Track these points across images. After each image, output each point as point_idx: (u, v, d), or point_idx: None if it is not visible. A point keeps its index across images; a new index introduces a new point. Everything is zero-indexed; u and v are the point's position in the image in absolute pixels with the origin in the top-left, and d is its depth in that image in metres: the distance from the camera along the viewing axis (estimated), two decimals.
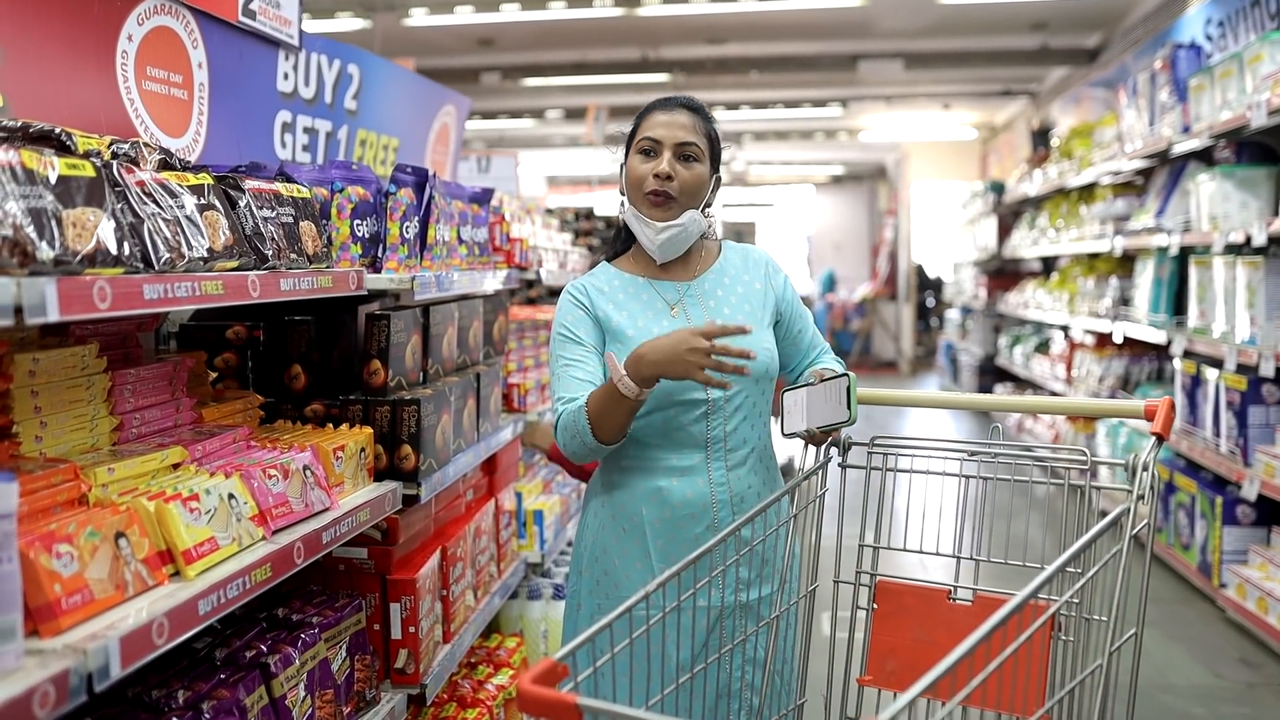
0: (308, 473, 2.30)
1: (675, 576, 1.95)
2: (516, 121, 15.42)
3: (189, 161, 2.22)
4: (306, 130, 3.50)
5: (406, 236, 2.82)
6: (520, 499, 3.94)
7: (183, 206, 1.97)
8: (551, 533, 4.06)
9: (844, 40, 10.66)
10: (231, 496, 2.03)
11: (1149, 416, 2.14)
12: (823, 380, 2.31)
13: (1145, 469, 2.01)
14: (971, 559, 2.25)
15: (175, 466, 2.10)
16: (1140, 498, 1.99)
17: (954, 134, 16.27)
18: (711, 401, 2.41)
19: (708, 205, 2.52)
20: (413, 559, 2.88)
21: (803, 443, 2.40)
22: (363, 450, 2.58)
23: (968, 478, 2.29)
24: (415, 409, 2.70)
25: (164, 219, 1.91)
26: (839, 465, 2.40)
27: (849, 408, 2.24)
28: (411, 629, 2.77)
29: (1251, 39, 6.00)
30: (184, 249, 1.92)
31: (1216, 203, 5.66)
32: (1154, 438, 2.08)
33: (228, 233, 2.09)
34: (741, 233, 15.17)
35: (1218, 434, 5.60)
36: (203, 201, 2.05)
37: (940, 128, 15.93)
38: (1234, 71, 5.48)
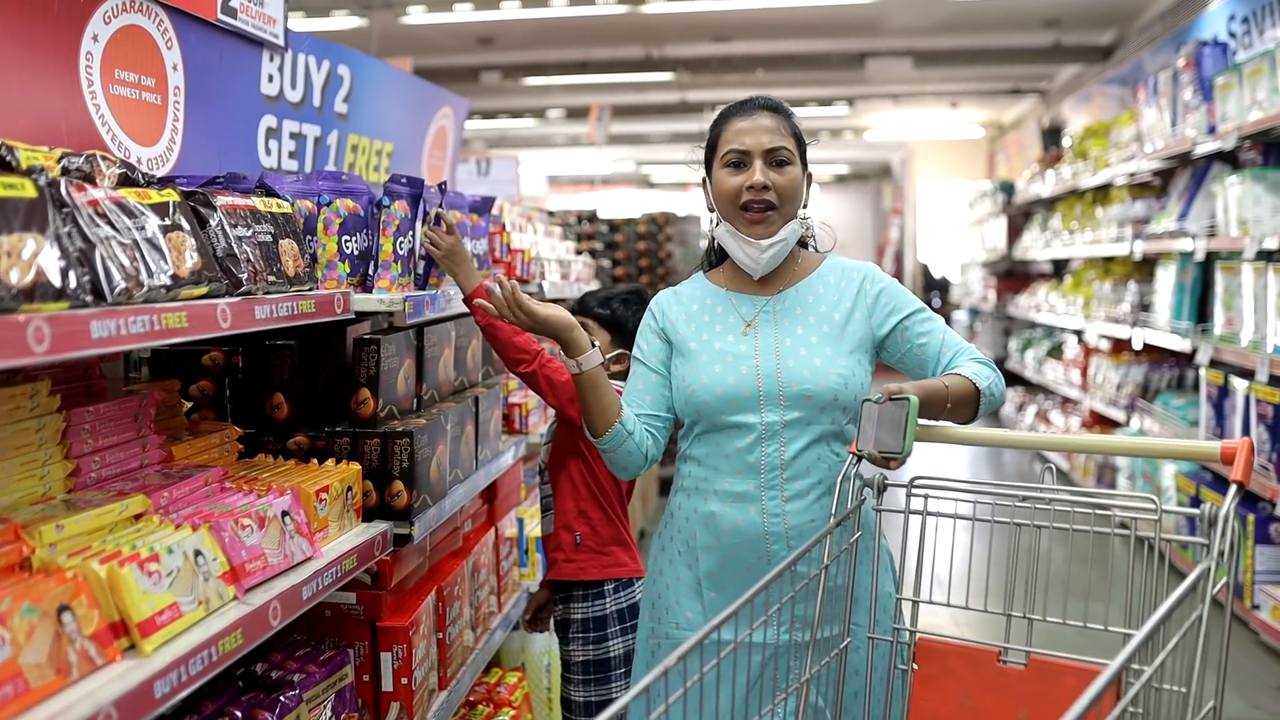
0: (287, 519, 2.07)
1: (732, 617, 1.76)
2: (517, 121, 15.20)
3: (154, 176, 2.00)
4: (293, 136, 3.28)
5: (400, 253, 2.60)
6: (522, 525, 3.72)
7: (143, 228, 1.75)
8: None
9: (852, 38, 10.43)
10: (199, 553, 1.81)
11: (1227, 460, 1.92)
12: (890, 399, 2.09)
13: (1226, 521, 1.79)
14: (1024, 617, 2.02)
15: (137, 518, 1.88)
16: (1221, 554, 1.77)
17: (961, 133, 16.04)
18: (766, 426, 2.24)
19: (804, 207, 2.36)
20: (405, 602, 2.66)
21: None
22: (350, 489, 2.36)
23: (1020, 525, 2.06)
24: (408, 441, 2.48)
25: (120, 243, 1.68)
26: (874, 509, 2.18)
27: (904, 438, 2.02)
28: (404, 680, 2.55)
29: None
30: (143, 276, 1.70)
31: (1246, 207, 5.43)
32: (1234, 485, 1.85)
33: (195, 255, 1.86)
34: None
35: None
36: (167, 221, 1.83)
37: (947, 126, 15.71)
38: (1265, 70, 5.24)
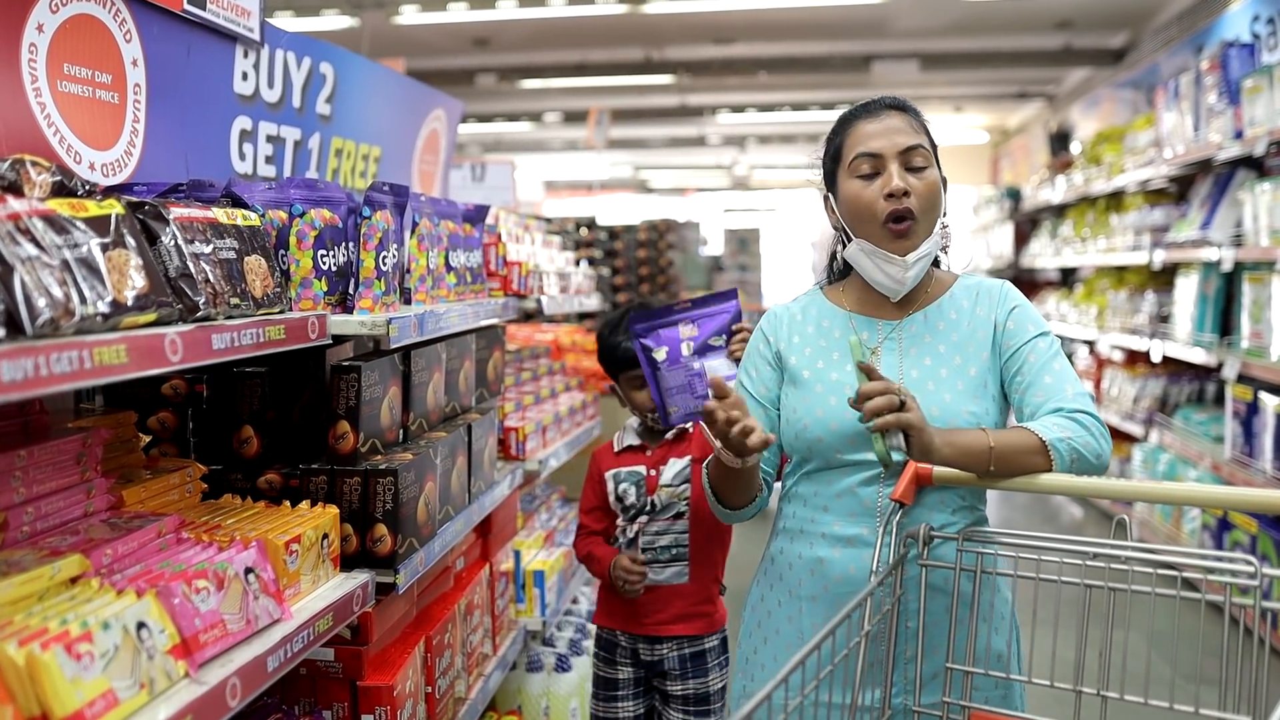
0: (250, 578, 1.81)
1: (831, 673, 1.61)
2: (513, 125, 14.93)
3: (94, 184, 1.73)
4: (270, 139, 3.01)
5: (384, 269, 2.34)
6: (518, 558, 3.46)
7: (76, 245, 1.49)
8: (554, 594, 3.57)
9: (858, 40, 10.18)
10: (142, 625, 1.54)
11: None
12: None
13: None
14: (1098, 694, 1.76)
15: (73, 581, 1.62)
16: None
17: (964, 137, 15.80)
18: (889, 464, 1.94)
19: (943, 216, 2.08)
20: (389, 656, 2.40)
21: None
22: (325, 537, 2.09)
23: (1090, 586, 1.80)
24: (391, 480, 2.22)
25: (46, 264, 1.42)
26: (918, 563, 1.92)
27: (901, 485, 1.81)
28: None
29: None
30: (74, 304, 1.44)
31: (1279, 215, 5.17)
32: None
33: (142, 277, 1.60)
34: (745, 239, 14.67)
35: (1279, 466, 5.12)
36: (108, 238, 1.57)
37: (950, 130, 15.47)
38: None
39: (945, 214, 2.09)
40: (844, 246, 2.11)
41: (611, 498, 2.99)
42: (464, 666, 2.84)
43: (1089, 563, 1.80)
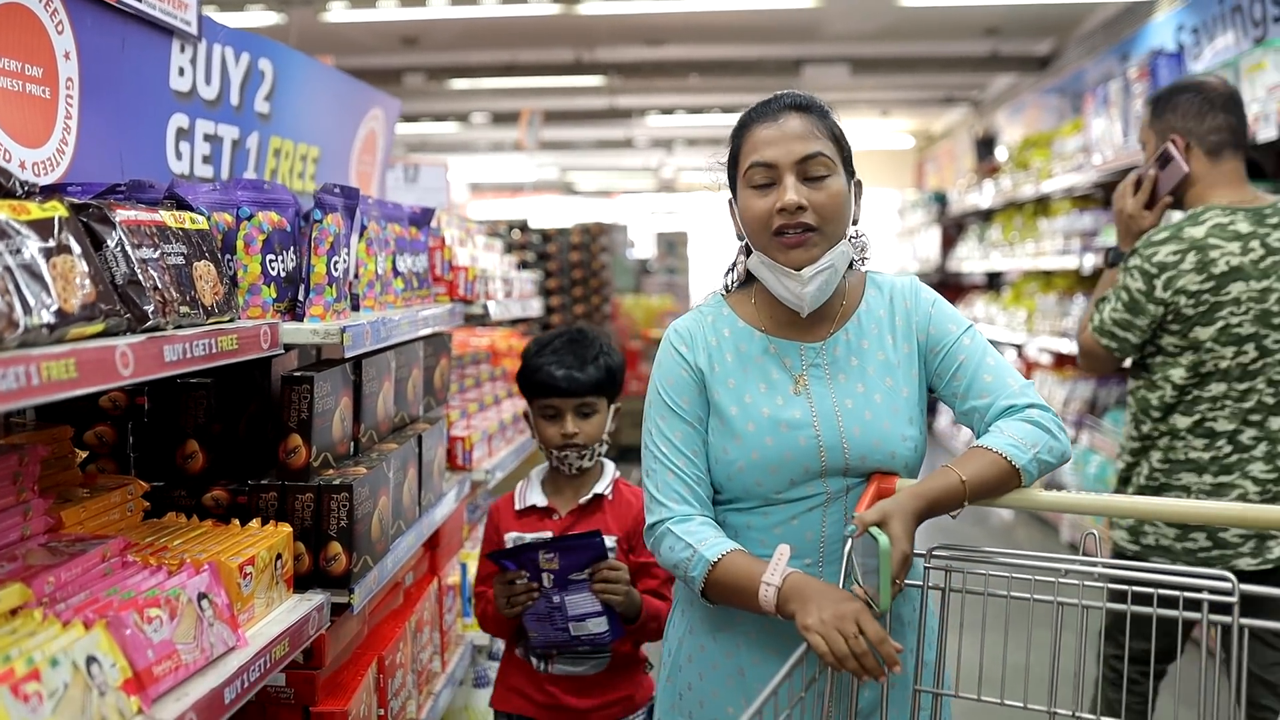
0: (204, 604, 1.70)
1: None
2: (440, 125, 14.74)
3: (34, 185, 1.62)
4: (208, 138, 2.89)
5: (335, 274, 2.23)
6: (465, 571, 3.36)
7: (18, 251, 1.38)
8: None
9: (789, 44, 10.21)
10: (93, 660, 1.43)
11: None
12: (865, 530, 1.71)
13: None
14: (1073, 716, 1.73)
15: (14, 612, 1.50)
16: None
17: (890, 141, 15.96)
18: (829, 494, 1.87)
19: (854, 223, 1.95)
20: (342, 679, 2.30)
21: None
22: (279, 557, 1.99)
23: (1063, 604, 1.76)
24: (346, 496, 2.12)
25: None
26: None
27: (880, 590, 1.66)
28: None
29: (1245, 46, 5.64)
30: (17, 314, 1.33)
31: None
32: None
33: (88, 284, 1.49)
34: (674, 242, 14.65)
35: None
36: (52, 242, 1.46)
37: (876, 135, 15.61)
38: (1228, 80, 5.08)
39: (857, 221, 1.97)
40: (747, 255, 1.98)
41: None
42: (415, 685, 2.75)
43: (1060, 579, 1.76)
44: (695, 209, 22.25)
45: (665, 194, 21.12)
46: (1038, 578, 1.77)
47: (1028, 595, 1.77)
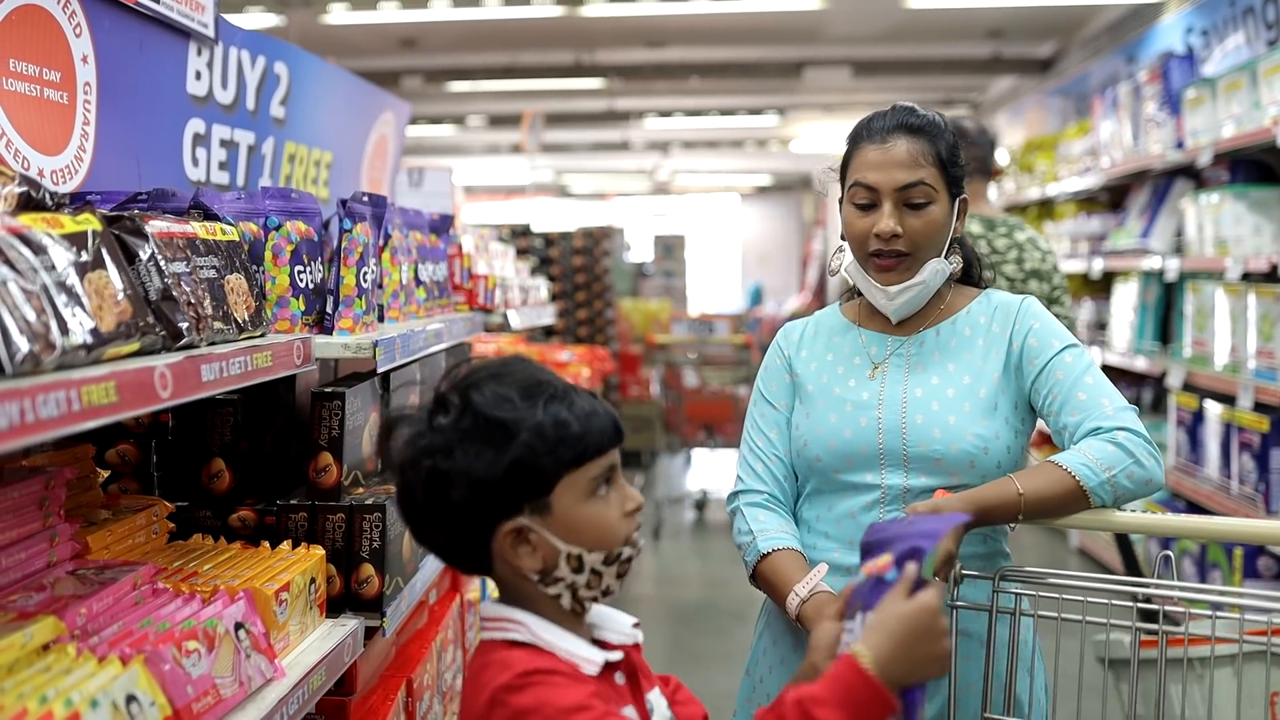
0: (241, 634, 1.63)
1: None
2: (435, 128, 14.65)
3: (63, 196, 1.54)
4: (224, 143, 2.81)
5: (364, 285, 2.16)
6: (485, 584, 3.28)
7: (53, 268, 1.31)
8: None
9: (791, 46, 10.13)
10: (132, 699, 1.36)
11: None
12: (914, 515, 1.67)
13: None
14: None
15: (46, 648, 1.42)
16: None
17: None
18: (886, 489, 1.87)
19: (956, 239, 1.98)
20: (372, 704, 2.22)
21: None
22: (313, 581, 1.91)
23: (1141, 630, 1.70)
24: (379, 517, 2.04)
25: (24, 289, 1.24)
26: (948, 605, 1.80)
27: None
28: None
29: (1259, 48, 5.59)
30: (54, 335, 1.25)
31: (1226, 225, 5.21)
32: None
33: (123, 301, 1.42)
34: (671, 245, 14.60)
35: (1227, 475, 5.15)
36: (86, 257, 1.38)
37: None
38: (1244, 83, 5.03)
39: (960, 235, 1.99)
40: (845, 262, 2.04)
41: None
42: (441, 708, 2.67)
43: (1138, 603, 1.70)
44: (692, 211, 22.23)
45: (660, 196, 21.07)
46: (1114, 602, 1.70)
47: (1104, 620, 1.71)
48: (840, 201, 2.03)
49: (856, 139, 1.98)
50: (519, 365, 1.38)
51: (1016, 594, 1.78)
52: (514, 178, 18.06)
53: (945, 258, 1.96)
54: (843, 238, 2.03)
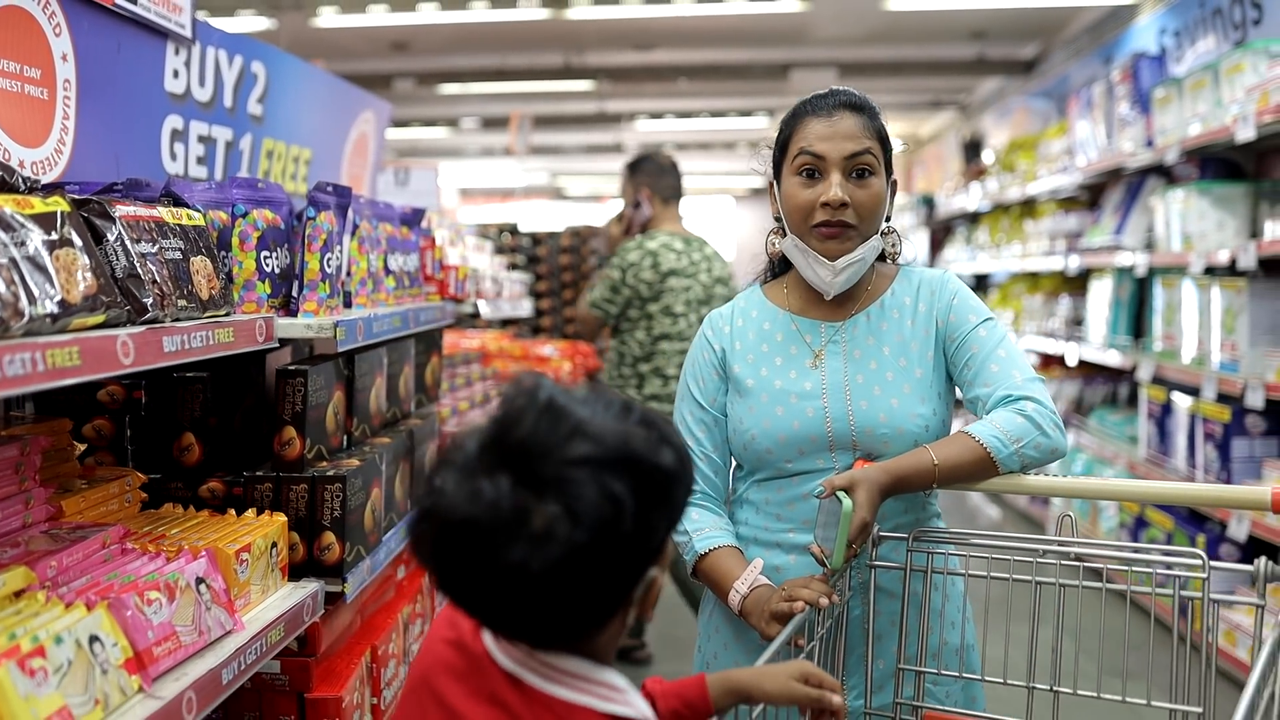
0: (202, 588, 1.75)
1: None
2: (429, 130, 14.78)
3: (36, 181, 1.67)
4: (202, 139, 2.94)
5: (328, 271, 2.29)
6: None
7: (23, 244, 1.43)
8: None
9: (777, 48, 10.27)
10: (95, 639, 1.48)
11: (1278, 509, 1.71)
12: (833, 492, 1.79)
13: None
14: (1051, 690, 1.79)
15: (18, 595, 1.55)
16: None
17: None
18: (838, 471, 1.93)
19: (887, 219, 2.04)
20: (336, 667, 2.34)
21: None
22: (274, 545, 2.04)
23: (1040, 583, 1.83)
24: (340, 487, 2.17)
25: None
26: (867, 564, 1.93)
27: (835, 548, 1.74)
28: None
29: (1225, 49, 5.72)
30: (23, 304, 1.38)
31: (1191, 221, 5.33)
32: None
33: (90, 277, 1.55)
34: None
35: (1193, 465, 5.27)
36: (54, 236, 1.51)
37: None
38: (1208, 82, 5.16)
39: (889, 218, 2.04)
40: (782, 236, 2.07)
41: None
42: (406, 676, 2.79)
43: (1038, 559, 1.83)
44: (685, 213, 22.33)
45: None
46: (1016, 559, 1.83)
47: (1007, 575, 1.83)
48: (773, 186, 2.07)
49: (799, 114, 2.02)
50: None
51: (928, 553, 1.90)
52: (509, 180, 18.20)
53: (881, 235, 2.02)
54: (776, 217, 2.08)
